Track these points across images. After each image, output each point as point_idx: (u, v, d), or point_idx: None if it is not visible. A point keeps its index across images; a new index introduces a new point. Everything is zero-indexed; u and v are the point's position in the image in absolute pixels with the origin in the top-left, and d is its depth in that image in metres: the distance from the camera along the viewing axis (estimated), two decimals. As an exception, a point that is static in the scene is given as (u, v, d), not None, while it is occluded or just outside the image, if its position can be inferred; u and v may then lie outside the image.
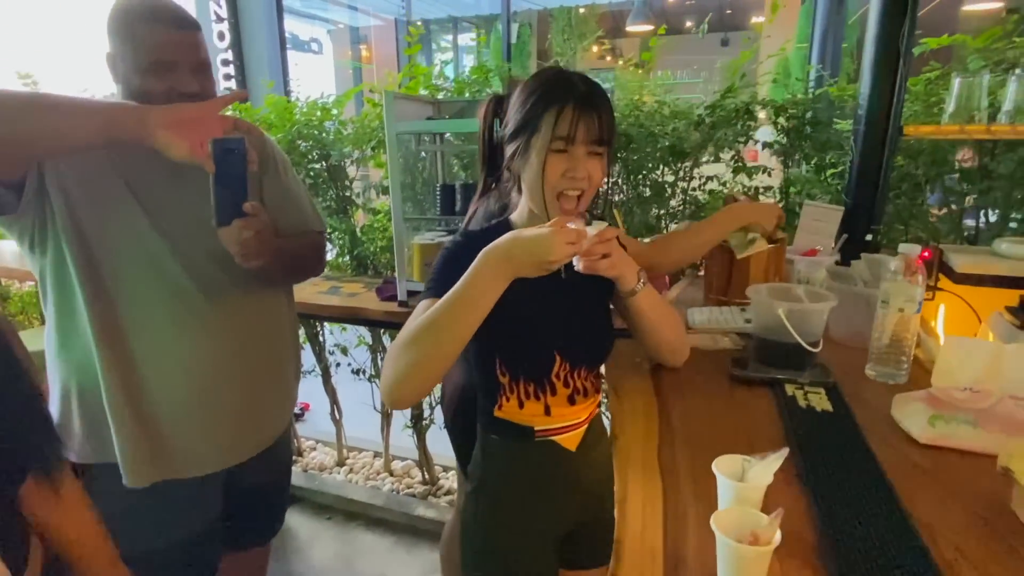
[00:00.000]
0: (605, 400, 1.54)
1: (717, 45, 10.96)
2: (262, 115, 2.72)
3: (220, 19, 5.08)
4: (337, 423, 3.03)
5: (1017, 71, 1.50)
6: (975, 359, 0.95)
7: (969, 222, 1.89)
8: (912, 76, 1.70)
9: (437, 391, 2.74)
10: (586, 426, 1.14)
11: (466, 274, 0.91)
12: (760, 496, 0.75)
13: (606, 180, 1.08)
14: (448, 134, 2.41)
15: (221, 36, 5.12)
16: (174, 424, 1.24)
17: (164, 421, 1.23)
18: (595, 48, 8.46)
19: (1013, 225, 1.75)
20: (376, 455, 3.13)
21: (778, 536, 0.64)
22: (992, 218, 1.86)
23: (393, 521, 2.69)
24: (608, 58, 11.06)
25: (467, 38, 10.44)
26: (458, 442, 1.59)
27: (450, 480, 2.90)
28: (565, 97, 0.99)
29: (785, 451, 0.75)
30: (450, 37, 10.55)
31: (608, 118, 1.01)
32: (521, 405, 1.09)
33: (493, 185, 1.42)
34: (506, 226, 1.13)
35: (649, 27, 6.48)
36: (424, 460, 2.86)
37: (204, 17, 5.04)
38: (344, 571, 2.43)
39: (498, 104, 1.42)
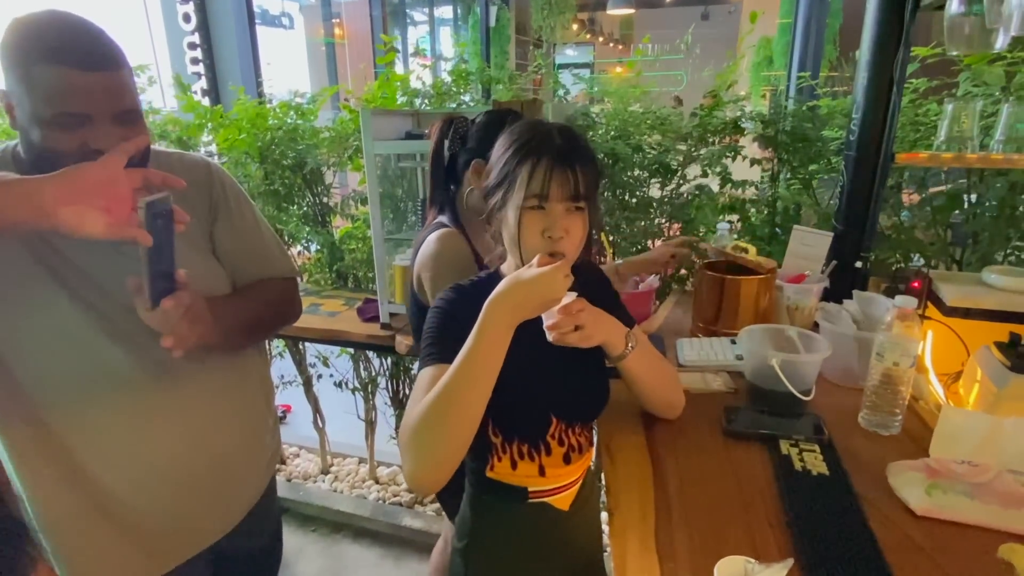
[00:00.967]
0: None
1: (697, 19, 10.82)
2: (232, 119, 2.60)
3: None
4: (320, 431, 2.99)
5: (1012, 99, 1.47)
6: (974, 432, 0.94)
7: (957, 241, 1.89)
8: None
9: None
10: (580, 484, 1.12)
11: (474, 332, 0.88)
12: (764, 605, 0.74)
13: (594, 232, 1.04)
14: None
15: (187, 17, 4.89)
16: (128, 523, 1.11)
17: (116, 522, 1.10)
18: (575, 26, 8.29)
19: (999, 257, 1.74)
20: (361, 461, 3.10)
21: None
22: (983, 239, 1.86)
23: (380, 532, 2.68)
24: (588, 35, 10.86)
25: (445, 11, 10.15)
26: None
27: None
28: (539, 151, 0.94)
29: (790, 562, 0.74)
30: (427, 11, 10.25)
31: (588, 172, 0.96)
32: (514, 466, 1.06)
33: (440, 204, 1.43)
34: (496, 278, 1.08)
35: (630, 10, 6.34)
36: (410, 469, 2.83)
37: (169, -1, 4.80)
38: (332, 587, 2.42)
39: (447, 126, 1.41)
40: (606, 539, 1.51)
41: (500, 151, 1.01)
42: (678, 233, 2.11)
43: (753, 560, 0.76)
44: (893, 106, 1.49)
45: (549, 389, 1.05)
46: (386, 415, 2.84)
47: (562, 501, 1.10)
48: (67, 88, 0.89)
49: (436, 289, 1.31)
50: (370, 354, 2.77)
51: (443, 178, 1.45)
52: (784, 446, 1.12)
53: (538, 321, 0.98)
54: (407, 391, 2.77)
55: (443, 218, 1.41)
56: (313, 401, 2.95)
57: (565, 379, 1.07)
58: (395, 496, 2.85)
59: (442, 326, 1.01)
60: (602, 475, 1.16)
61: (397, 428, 2.75)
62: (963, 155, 1.46)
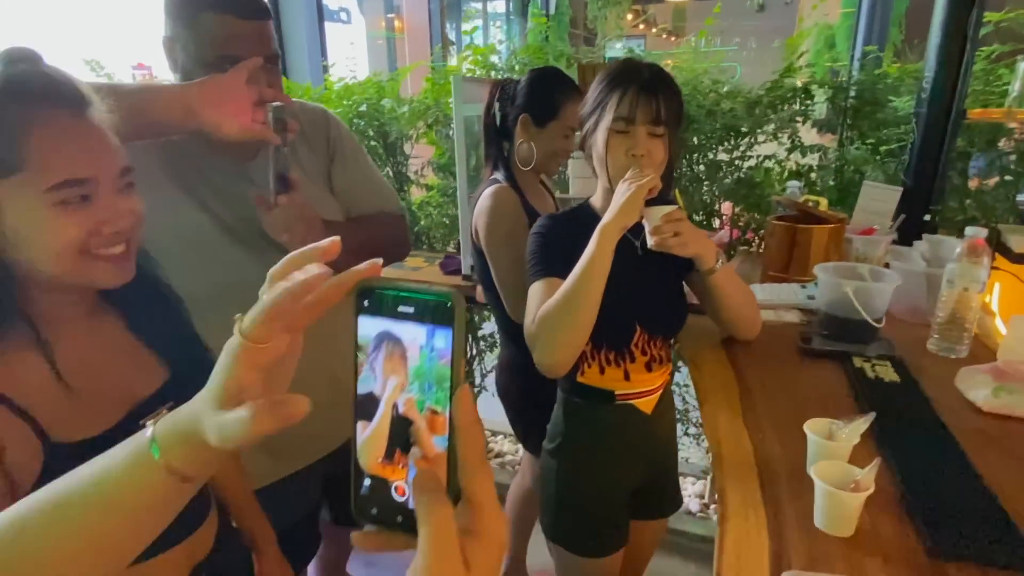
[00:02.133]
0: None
1: (753, 11, 10.69)
2: (320, 95, 2.82)
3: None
4: (391, 389, 3.18)
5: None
6: (1041, 336, 1.03)
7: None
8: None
9: (490, 363, 2.89)
10: (661, 392, 1.26)
11: (592, 246, 1.05)
12: (847, 454, 0.86)
13: (677, 164, 1.18)
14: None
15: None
16: None
17: None
18: (629, 16, 8.33)
19: None
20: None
21: (872, 485, 0.75)
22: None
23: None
24: (641, 26, 10.87)
25: (498, 5, 10.32)
26: (515, 408, 1.72)
27: (499, 444, 3.05)
28: (629, 81, 1.10)
29: (872, 415, 0.85)
30: (479, 5, 10.44)
31: (670, 101, 1.11)
32: (602, 371, 1.20)
33: (494, 162, 1.58)
34: (587, 208, 1.24)
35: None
36: (476, 425, 3.00)
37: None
38: (407, 525, 2.60)
39: (497, 89, 1.57)
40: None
41: (596, 85, 1.16)
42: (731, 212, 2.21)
43: (836, 420, 0.88)
44: (966, 63, 1.56)
45: (635, 302, 1.19)
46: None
47: (646, 405, 1.24)
48: (229, 34, 1.03)
49: (490, 237, 1.48)
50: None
51: (495, 137, 1.60)
52: (857, 361, 1.23)
53: (628, 246, 1.14)
54: (474, 350, 2.93)
55: (497, 175, 1.57)
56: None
57: (649, 295, 1.21)
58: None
59: (543, 247, 1.18)
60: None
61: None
62: (1035, 110, 1.52)
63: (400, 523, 0.40)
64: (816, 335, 1.36)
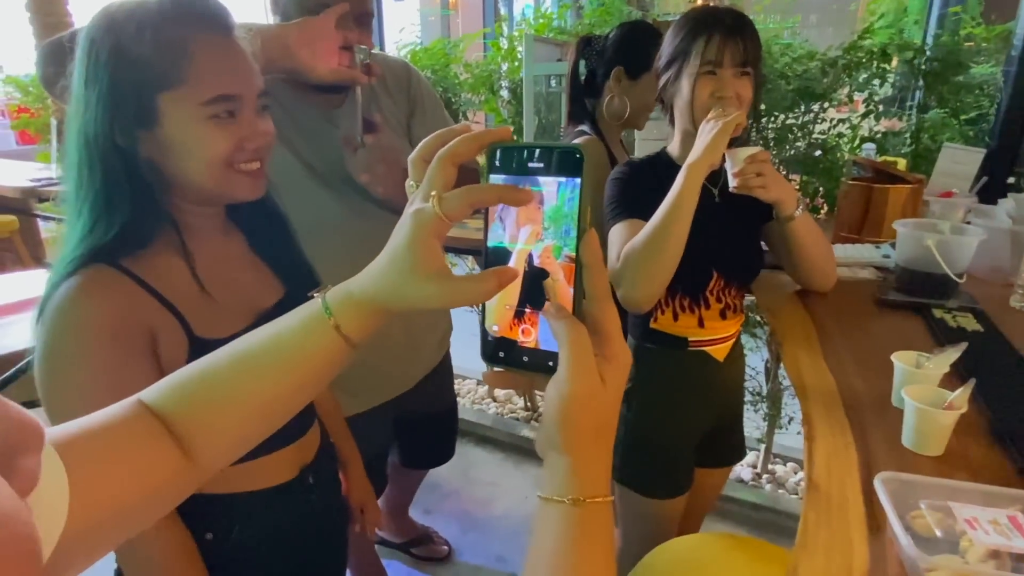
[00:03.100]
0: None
1: (814, -13, 10.28)
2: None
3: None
4: (446, 351, 3.28)
5: None
6: None
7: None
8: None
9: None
10: (733, 340, 1.28)
11: (676, 185, 1.07)
12: (936, 382, 0.87)
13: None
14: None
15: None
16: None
17: None
18: (687, -8, 8.16)
19: None
20: (479, 383, 3.37)
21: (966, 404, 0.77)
22: None
23: (500, 440, 2.93)
24: (698, 1, 10.61)
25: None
26: None
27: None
28: (713, 26, 1.11)
29: (964, 344, 0.87)
30: (532, -18, 10.34)
31: (753, 43, 1.12)
32: (676, 318, 1.23)
33: (579, 117, 1.59)
34: (664, 156, 1.27)
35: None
36: (527, 387, 3.07)
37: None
38: (461, 478, 2.70)
39: (586, 45, 1.58)
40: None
41: (673, 32, 1.18)
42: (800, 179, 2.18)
43: (924, 353, 0.89)
44: (1062, 19, 1.51)
45: (712, 248, 1.20)
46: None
47: (719, 352, 1.26)
48: None
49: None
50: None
51: (581, 94, 1.62)
52: (938, 312, 1.23)
53: (706, 193, 1.16)
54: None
55: (583, 127, 1.59)
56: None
57: (726, 241, 1.22)
58: (511, 413, 3.10)
59: (623, 191, 1.21)
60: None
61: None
62: None
63: (527, 363, 0.44)
64: (893, 290, 1.36)
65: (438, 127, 1.36)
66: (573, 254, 0.41)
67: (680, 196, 1.06)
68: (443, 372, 1.64)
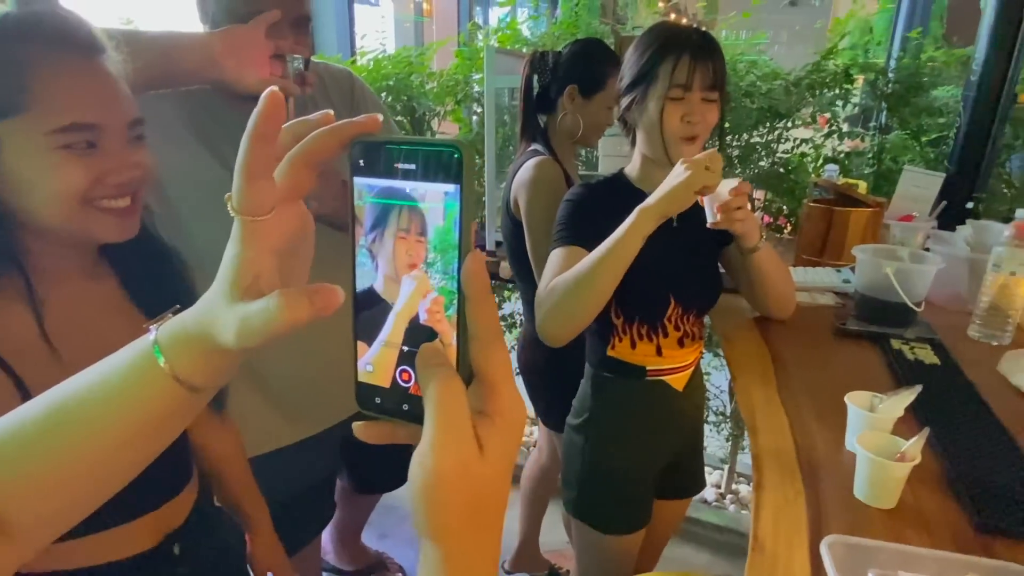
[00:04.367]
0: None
1: (785, 5, 10.49)
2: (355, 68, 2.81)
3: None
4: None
5: None
6: (1094, 320, 0.99)
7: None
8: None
9: (511, 340, 2.88)
10: (693, 368, 1.23)
11: (624, 227, 1.00)
12: (890, 427, 0.83)
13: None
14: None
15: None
16: (273, 391, 1.20)
17: (263, 389, 1.20)
18: (660, 4, 8.22)
19: None
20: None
21: (919, 455, 0.72)
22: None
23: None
24: (673, 16, 10.73)
25: (525, -8, 10.23)
26: (539, 383, 1.71)
27: (515, 425, 3.04)
28: (681, 47, 1.05)
29: (918, 387, 0.83)
30: (508, -9, 10.36)
31: (721, 66, 1.08)
32: (633, 346, 1.18)
33: (531, 134, 1.55)
34: (622, 178, 1.21)
35: (722, -16, 6.29)
36: (492, 405, 3.00)
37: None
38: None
39: (538, 61, 1.54)
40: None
41: (638, 52, 1.12)
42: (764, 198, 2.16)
43: (879, 394, 0.85)
44: (1019, 46, 1.51)
45: (669, 275, 1.16)
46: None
47: (677, 381, 1.21)
48: None
49: (531, 209, 1.45)
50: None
51: (534, 110, 1.58)
52: (895, 343, 1.20)
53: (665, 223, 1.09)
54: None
55: (537, 146, 1.54)
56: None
57: (684, 268, 1.18)
58: (476, 430, 3.02)
59: (574, 214, 1.14)
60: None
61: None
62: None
63: (406, 411, 0.36)
64: (852, 317, 1.33)
65: (383, 132, 1.30)
66: (456, 283, 0.33)
67: (622, 241, 0.99)
68: None
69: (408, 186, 0.33)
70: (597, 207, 1.13)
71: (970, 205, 1.65)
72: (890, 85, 1.98)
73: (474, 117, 2.77)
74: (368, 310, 0.36)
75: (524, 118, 1.62)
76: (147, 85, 0.96)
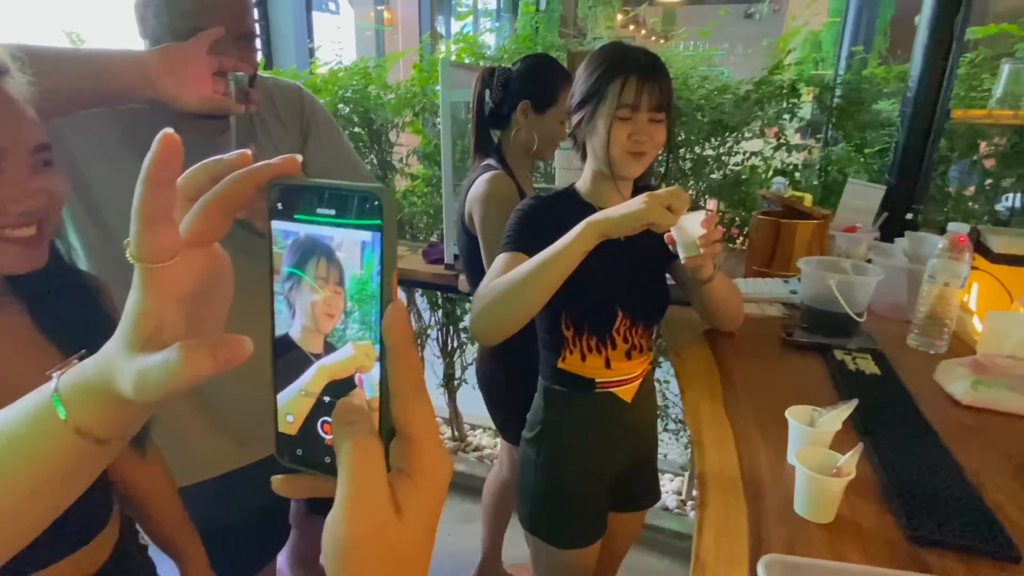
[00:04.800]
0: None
1: (740, 17, 10.79)
2: (306, 80, 2.77)
3: (247, -24, 5.05)
4: (370, 380, 3.15)
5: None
6: (1017, 329, 1.03)
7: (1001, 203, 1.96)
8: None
9: (471, 356, 2.87)
10: (641, 380, 1.25)
11: (567, 238, 1.00)
12: (829, 441, 0.85)
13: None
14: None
15: (247, -7, 5.11)
16: (220, 414, 1.18)
17: (209, 412, 1.17)
18: (619, 16, 8.35)
19: None
20: (406, 412, 3.25)
21: (854, 470, 0.74)
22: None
23: (425, 474, 2.82)
24: (632, 27, 10.91)
25: (488, 2, 10.28)
26: (496, 397, 1.71)
27: (478, 437, 3.03)
28: (629, 68, 1.08)
29: (855, 401, 0.85)
30: (471, 1, 10.39)
31: (667, 86, 1.10)
32: (583, 358, 1.19)
33: (485, 149, 1.56)
34: (572, 192, 1.23)
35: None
36: (454, 418, 2.98)
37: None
38: (382, 517, 2.57)
39: (489, 76, 1.55)
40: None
41: (588, 71, 1.14)
42: (719, 208, 2.21)
43: (819, 408, 0.87)
44: (951, 63, 1.57)
45: (617, 287, 1.17)
46: (434, 366, 2.98)
47: (626, 393, 1.22)
48: (205, 5, 1.00)
49: (486, 224, 1.45)
50: (421, 306, 2.92)
51: (487, 125, 1.59)
52: (839, 354, 1.23)
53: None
54: (455, 343, 2.90)
55: (490, 161, 1.55)
56: (365, 351, 3.10)
57: (632, 281, 1.19)
58: (439, 444, 2.99)
59: (522, 224, 1.16)
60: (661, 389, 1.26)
61: (444, 378, 2.89)
62: (1019, 112, 1.54)
63: (329, 465, 0.35)
64: (798, 328, 1.36)
65: (335, 153, 1.25)
66: (377, 335, 0.32)
67: (565, 250, 0.99)
68: None
69: (326, 232, 0.32)
70: (546, 218, 1.14)
71: (910, 216, 1.71)
72: (834, 99, 2.04)
73: (434, 128, 2.76)
74: (288, 358, 0.35)
75: (477, 133, 1.62)
76: (78, 104, 0.94)
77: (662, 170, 2.15)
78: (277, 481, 0.36)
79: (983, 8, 1.90)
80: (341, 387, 0.34)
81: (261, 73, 1.31)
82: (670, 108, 1.12)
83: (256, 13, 5.21)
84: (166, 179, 0.32)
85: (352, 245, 0.32)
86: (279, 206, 0.33)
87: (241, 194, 0.33)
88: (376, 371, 0.33)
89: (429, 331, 2.95)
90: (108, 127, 1.05)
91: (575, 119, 1.17)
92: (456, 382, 2.92)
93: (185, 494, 1.04)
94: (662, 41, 12.14)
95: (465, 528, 2.47)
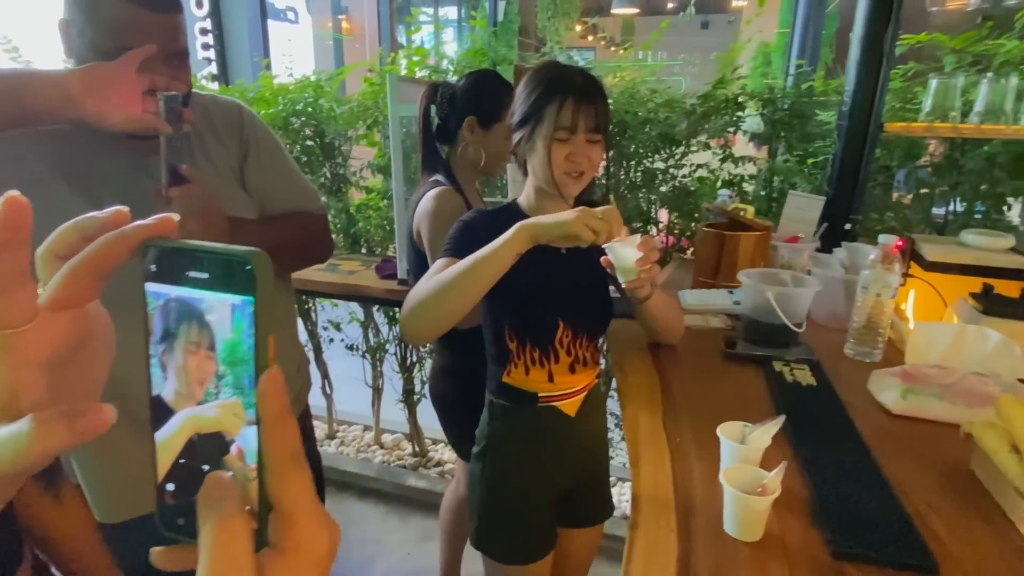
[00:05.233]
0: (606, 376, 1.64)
1: (697, 27, 11.04)
2: (256, 92, 2.72)
3: (199, -15, 4.96)
4: (328, 397, 3.09)
5: (989, 75, 1.62)
6: (942, 339, 1.07)
7: (938, 210, 2.03)
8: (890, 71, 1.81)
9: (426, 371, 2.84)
10: (585, 394, 1.25)
11: (499, 240, 1.01)
12: (759, 457, 0.86)
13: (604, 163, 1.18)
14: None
15: (199, 3, 5.01)
16: (146, 449, 1.17)
17: (146, 437, 1.17)
18: (578, 27, 8.46)
19: (978, 216, 1.89)
20: (366, 428, 3.20)
21: (779, 488, 0.75)
22: (959, 208, 2.00)
23: (385, 491, 2.78)
24: (591, 37, 11.06)
25: (449, 11, 10.31)
26: (449, 413, 1.70)
27: (439, 452, 2.99)
28: (565, 91, 1.09)
29: (782, 418, 0.86)
30: (431, 11, 10.41)
31: (604, 108, 1.12)
32: (527, 372, 1.19)
33: (433, 165, 1.56)
34: (515, 206, 1.23)
35: (634, 10, 6.54)
36: (415, 433, 2.94)
37: (182, -18, 4.91)
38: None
39: (433, 92, 1.55)
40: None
41: (526, 91, 1.15)
42: (668, 220, 2.24)
43: (749, 424, 0.88)
44: (883, 79, 1.63)
45: (558, 298, 1.18)
46: (393, 381, 2.95)
47: (569, 407, 1.22)
48: (132, 24, 0.97)
49: (434, 242, 1.45)
50: (380, 320, 2.89)
51: (434, 141, 1.59)
52: (777, 365, 1.25)
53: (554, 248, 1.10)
54: (414, 357, 2.87)
55: (438, 177, 1.54)
56: (323, 368, 3.05)
57: (573, 292, 1.20)
58: (399, 460, 2.95)
59: (462, 233, 1.17)
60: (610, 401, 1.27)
61: (403, 393, 2.86)
62: (946, 125, 1.60)
63: None
64: (740, 339, 1.38)
65: (275, 171, 1.22)
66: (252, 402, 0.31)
67: (495, 252, 1.00)
68: (302, 431, 1.48)
69: (198, 296, 0.32)
70: (486, 229, 1.13)
71: (849, 226, 1.75)
72: (777, 112, 2.09)
73: (388, 141, 2.74)
74: (165, 423, 0.34)
75: (424, 149, 1.61)
76: None
77: (604, 184, 2.18)
78: (156, 554, 0.35)
79: (922, 23, 1.97)
80: (218, 453, 0.33)
81: (198, 91, 1.29)
82: (607, 128, 1.14)
83: (209, 24, 5.09)
84: (15, 243, 0.31)
85: (223, 308, 0.31)
86: (152, 268, 0.33)
87: (113, 257, 0.32)
88: (254, 439, 0.32)
89: (387, 346, 2.92)
90: (31, 147, 1.01)
91: (515, 138, 1.18)
92: (416, 397, 2.88)
93: (114, 532, 1.00)
94: (621, 52, 12.36)
95: (424, 546, 2.44)
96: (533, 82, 1.14)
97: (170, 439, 0.33)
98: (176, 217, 0.33)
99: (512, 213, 1.22)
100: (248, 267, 0.31)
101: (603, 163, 1.20)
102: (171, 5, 1.02)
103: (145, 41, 0.98)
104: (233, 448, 0.32)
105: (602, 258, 1.08)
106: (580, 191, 1.17)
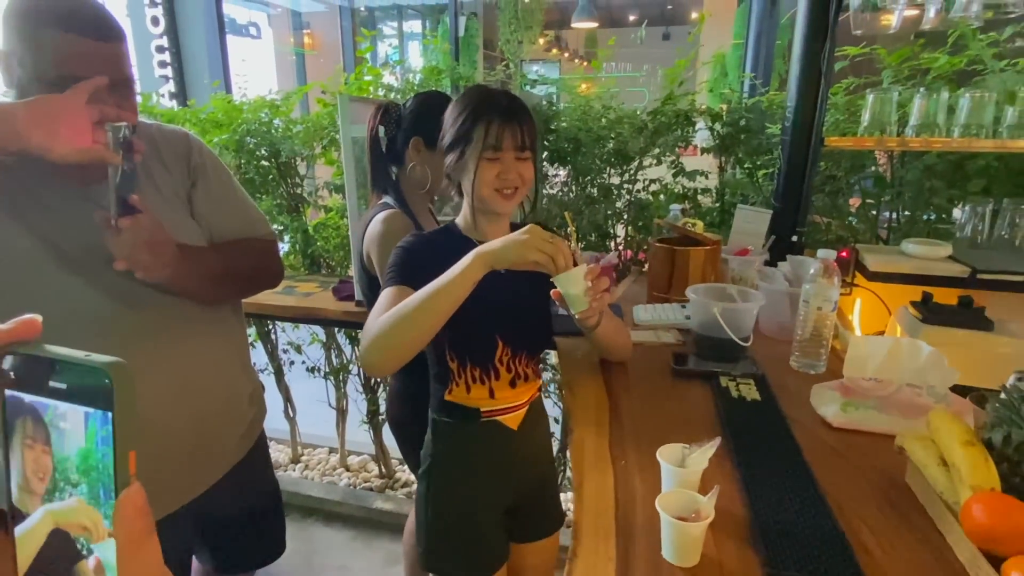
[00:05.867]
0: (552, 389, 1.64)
1: (659, 39, 11.25)
2: (207, 114, 2.68)
3: (154, 3, 4.88)
4: (291, 420, 3.04)
5: (922, 89, 1.67)
6: (878, 353, 1.09)
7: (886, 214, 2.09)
8: (833, 84, 1.87)
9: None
10: (527, 408, 1.25)
11: (456, 269, 1.02)
12: (698, 479, 0.86)
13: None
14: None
15: (155, 21, 4.92)
16: None
17: None
18: (540, 40, 8.55)
19: (931, 219, 1.95)
20: (331, 451, 3.15)
21: (713, 512, 0.75)
22: (903, 217, 2.06)
23: (351, 515, 2.73)
24: (554, 50, 11.18)
25: (413, 25, 10.33)
26: (406, 437, 1.69)
27: (406, 473, 2.96)
28: (491, 112, 1.12)
29: (718, 440, 0.87)
30: (395, 24, 10.42)
31: (529, 126, 1.15)
32: (468, 389, 1.20)
33: (382, 186, 1.56)
34: (453, 228, 1.24)
35: (593, 24, 6.65)
36: (380, 454, 2.90)
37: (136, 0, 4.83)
38: (303, 567, 2.46)
39: (380, 113, 1.56)
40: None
41: (455, 114, 1.17)
42: (629, 231, 2.27)
43: (689, 445, 0.88)
44: (822, 95, 1.67)
45: (496, 318, 1.19)
46: (357, 402, 2.91)
47: (512, 421, 1.23)
48: (74, 53, 0.97)
49: (383, 264, 1.44)
50: (342, 341, 2.85)
51: (383, 161, 1.58)
52: (724, 380, 1.27)
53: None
54: (377, 378, 2.84)
55: (387, 199, 1.54)
56: (284, 391, 2.99)
57: (512, 311, 1.21)
58: (366, 482, 2.91)
59: (404, 259, 1.17)
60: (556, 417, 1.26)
61: (368, 414, 2.82)
62: (883, 139, 1.65)
63: None
64: (691, 355, 1.40)
65: (224, 198, 1.20)
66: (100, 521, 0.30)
67: (454, 281, 1.02)
68: (254, 461, 1.43)
69: (48, 401, 0.31)
70: (427, 253, 1.16)
71: (795, 239, 1.79)
72: (724, 127, 2.13)
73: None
74: (18, 524, 0.33)
75: (373, 171, 1.60)
76: None
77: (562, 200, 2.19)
78: None
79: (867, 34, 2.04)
80: (77, 557, 0.31)
81: (144, 119, 1.26)
82: (534, 146, 1.17)
83: (166, 41, 4.98)
84: None
85: (75, 416, 0.30)
86: (12, 375, 0.32)
87: None
88: (113, 555, 0.31)
89: (350, 366, 2.88)
90: None
91: (447, 160, 1.19)
92: (380, 417, 2.85)
93: None
94: (585, 64, 12.53)
95: (391, 571, 2.40)
96: (460, 106, 1.17)
97: (29, 533, 0.32)
98: (39, 319, 0.32)
99: (450, 235, 1.23)
100: (106, 381, 0.29)
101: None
102: (113, 33, 1.02)
103: (88, 69, 0.97)
104: (92, 560, 0.31)
105: (552, 291, 1.09)
106: (512, 209, 1.20)
